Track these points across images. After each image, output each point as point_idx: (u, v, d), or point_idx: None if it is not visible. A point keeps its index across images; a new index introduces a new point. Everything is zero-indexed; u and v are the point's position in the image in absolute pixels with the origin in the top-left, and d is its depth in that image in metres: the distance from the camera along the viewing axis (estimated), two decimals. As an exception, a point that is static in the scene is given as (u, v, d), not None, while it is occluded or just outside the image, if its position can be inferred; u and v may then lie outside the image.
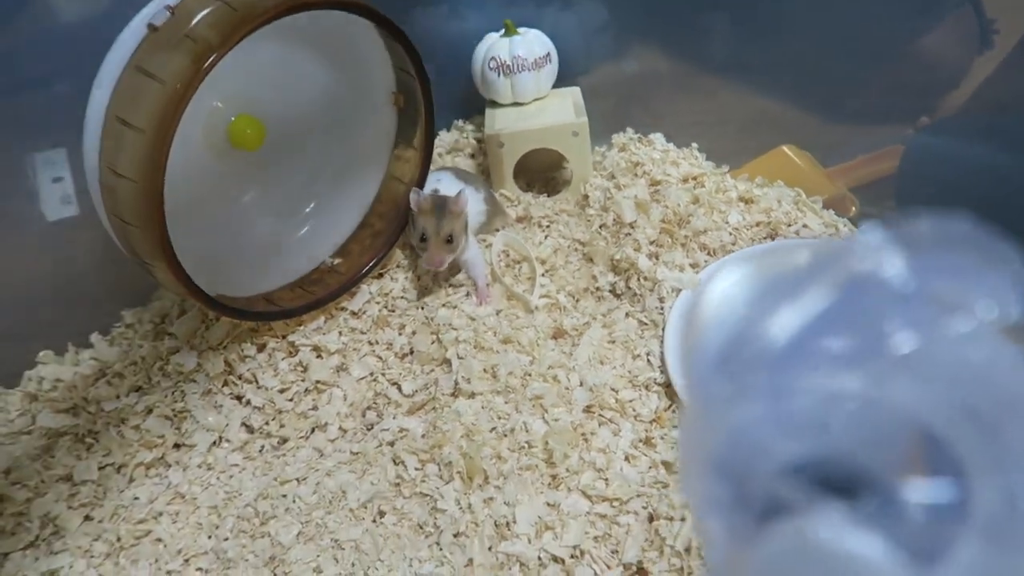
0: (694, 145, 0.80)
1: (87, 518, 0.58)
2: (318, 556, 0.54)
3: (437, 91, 0.70)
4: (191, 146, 0.61)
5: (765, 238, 0.71)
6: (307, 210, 0.75)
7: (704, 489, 0.21)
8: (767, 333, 0.18)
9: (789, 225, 0.71)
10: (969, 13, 0.73)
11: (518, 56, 0.79)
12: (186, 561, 0.55)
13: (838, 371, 0.18)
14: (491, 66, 0.80)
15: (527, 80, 0.80)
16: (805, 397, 0.18)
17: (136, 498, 0.59)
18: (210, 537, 0.56)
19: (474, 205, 0.73)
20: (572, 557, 0.51)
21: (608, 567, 0.50)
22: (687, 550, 0.49)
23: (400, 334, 0.68)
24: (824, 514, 0.17)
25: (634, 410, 0.60)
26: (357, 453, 0.60)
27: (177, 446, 0.62)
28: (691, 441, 0.21)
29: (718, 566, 0.23)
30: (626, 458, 0.56)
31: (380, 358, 0.67)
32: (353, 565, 0.53)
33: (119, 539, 0.56)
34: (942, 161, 0.77)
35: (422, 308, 0.70)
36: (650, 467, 0.56)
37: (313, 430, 0.63)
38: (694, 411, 0.19)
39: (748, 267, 0.67)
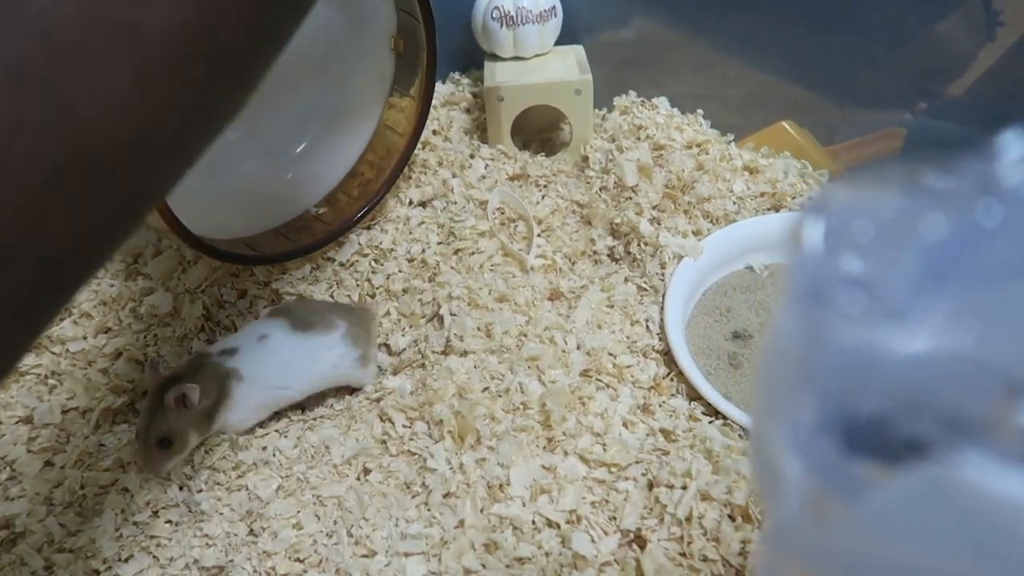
0: (699, 111, 0.78)
1: (48, 464, 0.54)
2: (298, 512, 0.51)
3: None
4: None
5: (769, 209, 0.69)
6: (294, 154, 0.72)
7: (789, 416, 0.19)
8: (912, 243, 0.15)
9: (794, 197, 0.69)
10: (977, 2, 0.72)
11: (523, 7, 0.76)
12: (155, 513, 0.52)
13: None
14: (494, 16, 0.77)
15: (530, 33, 0.77)
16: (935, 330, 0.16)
17: (102, 445, 0.55)
18: (181, 488, 0.53)
19: (328, 358, 0.56)
20: (568, 522, 0.48)
21: (605, 533, 0.48)
22: (688, 519, 0.48)
23: (389, 288, 0.65)
24: (966, 454, 0.15)
25: (632, 376, 0.57)
26: (341, 409, 0.57)
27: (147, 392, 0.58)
28: (780, 354, 0.18)
29: (791, 513, 0.21)
30: (624, 424, 0.54)
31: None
32: (335, 523, 0.50)
33: (82, 487, 0.52)
34: (947, 144, 0.76)
35: (411, 261, 0.67)
36: (648, 434, 0.54)
37: (294, 382, 0.59)
38: (795, 315, 0.17)
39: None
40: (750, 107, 0.81)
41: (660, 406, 0.56)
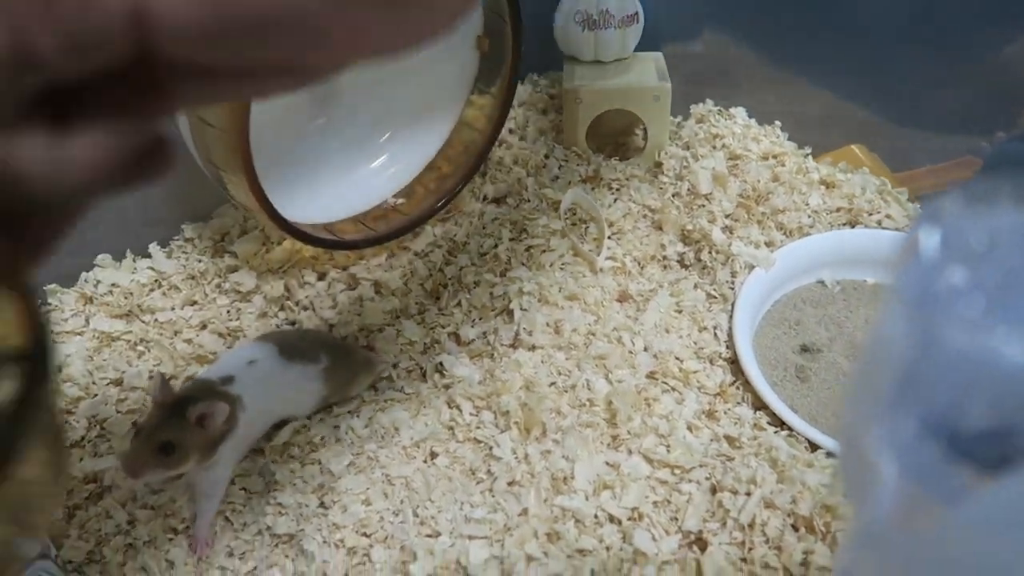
0: (777, 123, 0.78)
1: (134, 424, 0.57)
2: (368, 489, 0.53)
3: (519, 41, 0.68)
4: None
5: (844, 224, 0.69)
6: (376, 145, 0.74)
7: (889, 419, 0.20)
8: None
9: (871, 214, 0.69)
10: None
11: (606, 11, 0.77)
12: (231, 482, 0.54)
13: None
14: (576, 19, 0.78)
15: (612, 38, 0.78)
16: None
17: (185, 411, 0.58)
18: (258, 459, 0.55)
19: (304, 386, 0.55)
20: (630, 519, 0.49)
21: (667, 532, 0.48)
22: (750, 525, 0.48)
23: (461, 280, 0.66)
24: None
25: (698, 381, 0.58)
26: (411, 393, 0.59)
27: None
28: (883, 358, 0.19)
29: (881, 515, 0.21)
30: (688, 427, 0.55)
31: (439, 301, 0.65)
32: (402, 502, 0.52)
33: (165, 449, 0.55)
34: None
35: (483, 255, 0.68)
36: (712, 439, 0.54)
37: (367, 365, 0.61)
38: (904, 319, 0.18)
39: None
40: (820, 127, 0.81)
41: (725, 413, 0.56)
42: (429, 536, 0.50)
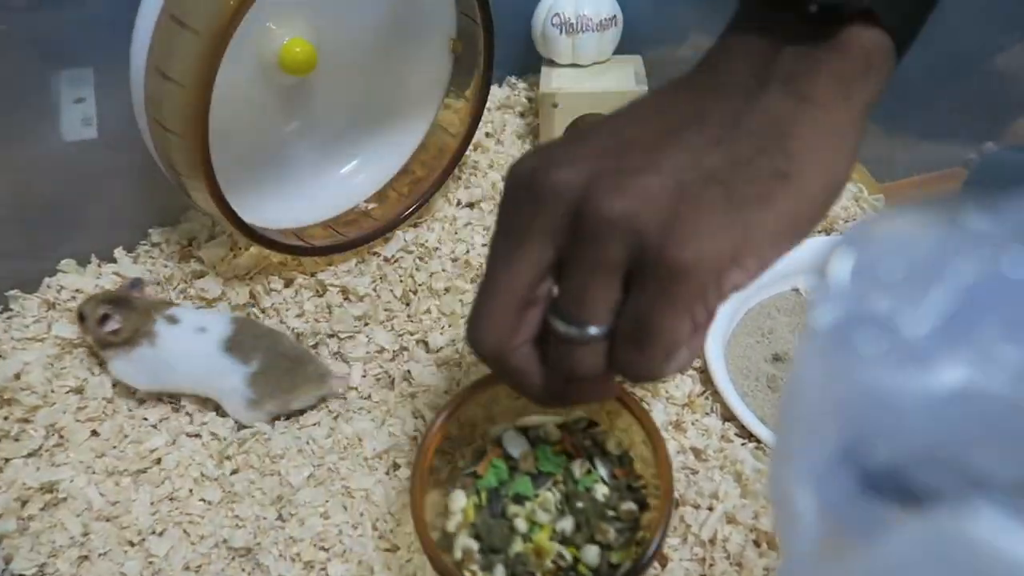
0: (755, 129, 0.77)
1: (94, 433, 0.56)
2: (327, 501, 0.52)
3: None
4: (241, 64, 0.59)
5: (819, 232, 0.68)
6: (348, 149, 0.73)
7: (806, 452, 0.19)
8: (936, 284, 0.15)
9: (847, 221, 0.68)
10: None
11: (583, 15, 0.76)
12: (190, 491, 0.53)
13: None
14: (553, 22, 0.77)
15: (589, 41, 0.77)
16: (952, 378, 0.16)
17: (145, 418, 0.57)
18: (218, 469, 0.54)
19: (228, 381, 0.55)
20: (591, 533, 0.48)
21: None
22: (711, 541, 0.47)
23: (432, 286, 0.66)
24: (978, 507, 0.14)
25: (667, 392, 0.57)
26: (378, 401, 0.58)
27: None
28: (800, 390, 0.18)
29: (804, 550, 0.20)
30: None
31: (409, 307, 0.64)
32: (361, 515, 0.51)
33: (124, 459, 0.54)
34: (1014, 182, 0.73)
35: (455, 260, 0.67)
36: (679, 452, 0.53)
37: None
38: (815, 351, 0.17)
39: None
40: None
41: (693, 424, 0.55)
42: (387, 550, 0.49)
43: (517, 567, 0.43)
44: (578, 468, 0.46)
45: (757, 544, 0.47)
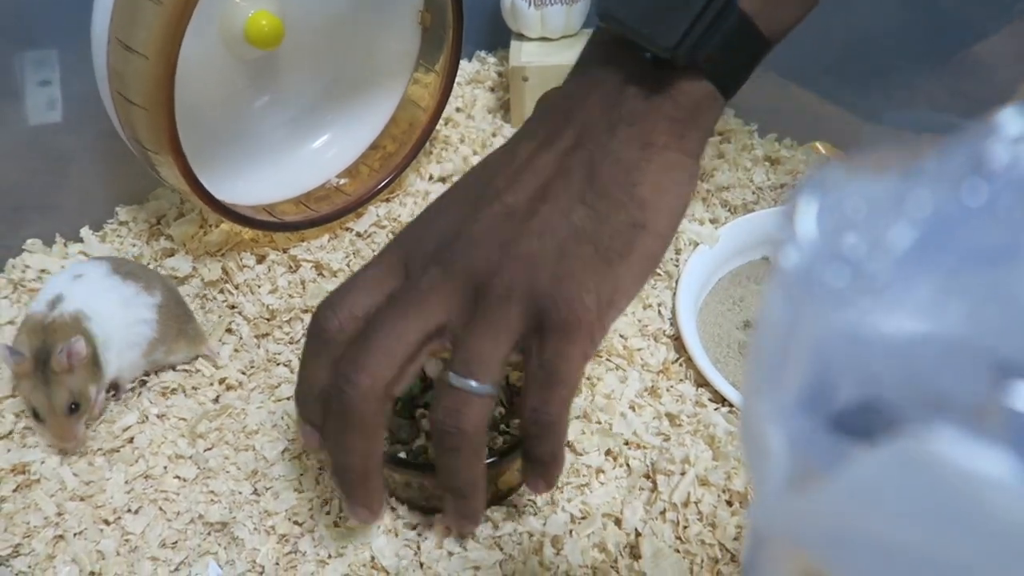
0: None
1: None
2: (301, 475, 0.52)
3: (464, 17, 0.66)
4: (206, 37, 0.58)
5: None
6: (318, 124, 0.72)
7: (773, 392, 0.19)
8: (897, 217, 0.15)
9: (815, 190, 0.69)
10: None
11: (552, -13, 0.76)
12: (165, 468, 0.53)
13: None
14: (523, -5, 0.77)
15: (558, 14, 0.77)
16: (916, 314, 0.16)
17: (116, 398, 0.56)
18: (192, 445, 0.54)
19: (135, 312, 0.53)
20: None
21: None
22: (684, 504, 0.48)
23: (405, 261, 0.65)
24: (939, 428, 0.15)
25: (642, 359, 0.58)
26: (351, 376, 0.58)
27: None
28: (767, 331, 0.19)
29: (775, 488, 0.21)
30: (631, 407, 0.54)
31: (382, 283, 0.64)
32: (333, 490, 0.51)
33: (97, 439, 0.54)
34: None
35: (429, 237, 0.67)
36: (654, 417, 0.54)
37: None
38: (782, 292, 0.17)
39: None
40: (785, 122, 0.78)
41: (668, 390, 0.56)
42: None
43: (419, 456, 0.48)
44: None
45: (729, 503, 0.47)
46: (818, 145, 0.76)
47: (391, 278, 0.40)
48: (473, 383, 0.37)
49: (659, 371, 0.57)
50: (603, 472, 0.50)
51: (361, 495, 0.41)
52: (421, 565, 0.46)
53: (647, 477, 0.50)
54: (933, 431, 0.15)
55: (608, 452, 0.51)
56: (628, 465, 0.50)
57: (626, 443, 0.52)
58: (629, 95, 0.39)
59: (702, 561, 0.45)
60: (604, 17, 0.40)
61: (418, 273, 0.39)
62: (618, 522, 0.48)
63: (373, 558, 0.46)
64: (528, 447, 0.40)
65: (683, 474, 0.49)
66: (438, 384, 0.39)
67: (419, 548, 0.47)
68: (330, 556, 0.47)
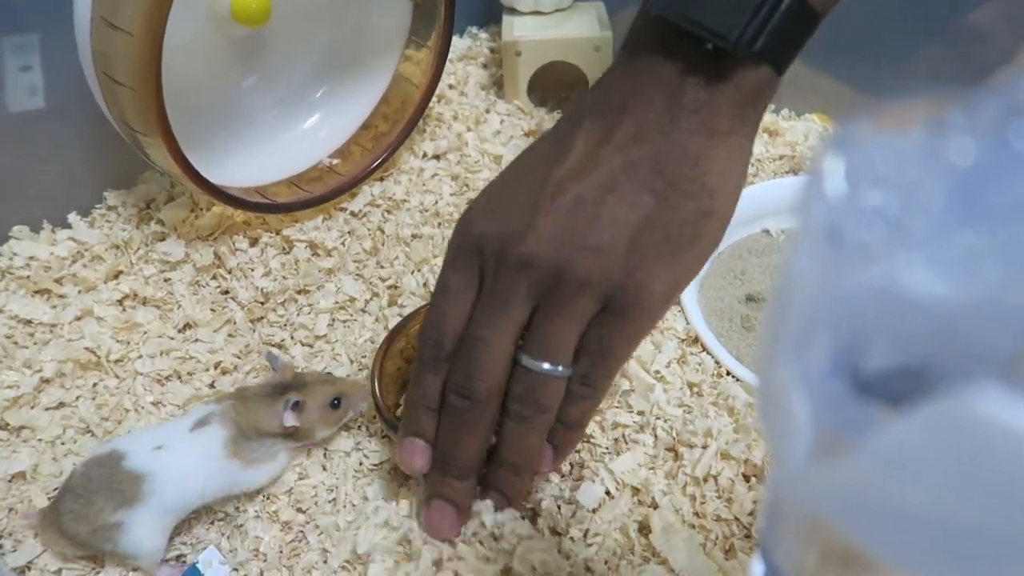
0: (720, 71, 0.76)
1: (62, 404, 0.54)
2: (305, 461, 0.51)
3: (454, -6, 0.65)
4: (192, 14, 0.56)
5: (787, 172, 0.68)
6: (308, 103, 0.71)
7: (799, 356, 0.19)
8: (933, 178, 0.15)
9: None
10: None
11: (544, -41, 0.74)
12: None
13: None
14: (514, -32, 0.75)
15: (551, -13, 0.76)
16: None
17: (107, 386, 0.55)
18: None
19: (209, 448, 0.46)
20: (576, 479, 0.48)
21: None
22: (704, 479, 0.47)
23: (400, 235, 0.64)
24: (984, 387, 0.14)
25: (672, 327, 0.57)
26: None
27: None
28: (792, 292, 0.18)
29: (798, 455, 0.20)
30: (657, 377, 0.53)
31: (379, 263, 0.63)
32: (338, 477, 0.50)
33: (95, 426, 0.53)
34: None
35: (424, 211, 0.66)
36: (681, 386, 0.53)
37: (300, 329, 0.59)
38: (809, 251, 0.16)
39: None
40: (780, 95, 0.77)
41: (692, 359, 0.55)
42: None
43: None
44: None
45: (747, 478, 0.47)
46: (816, 118, 0.75)
47: (471, 285, 0.41)
48: (546, 365, 0.39)
49: (683, 339, 0.56)
50: (635, 443, 0.50)
51: (458, 489, 0.42)
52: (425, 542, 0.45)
53: (670, 450, 0.49)
54: (978, 391, 0.14)
55: (641, 416, 0.51)
56: (656, 435, 0.50)
57: (655, 415, 0.51)
58: (689, 84, 0.38)
59: (716, 538, 0.44)
60: (662, 8, 0.38)
61: (492, 274, 0.40)
62: (638, 494, 0.47)
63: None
64: (560, 410, 0.41)
65: (704, 447, 0.48)
66: (515, 367, 0.41)
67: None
68: (333, 545, 0.46)
